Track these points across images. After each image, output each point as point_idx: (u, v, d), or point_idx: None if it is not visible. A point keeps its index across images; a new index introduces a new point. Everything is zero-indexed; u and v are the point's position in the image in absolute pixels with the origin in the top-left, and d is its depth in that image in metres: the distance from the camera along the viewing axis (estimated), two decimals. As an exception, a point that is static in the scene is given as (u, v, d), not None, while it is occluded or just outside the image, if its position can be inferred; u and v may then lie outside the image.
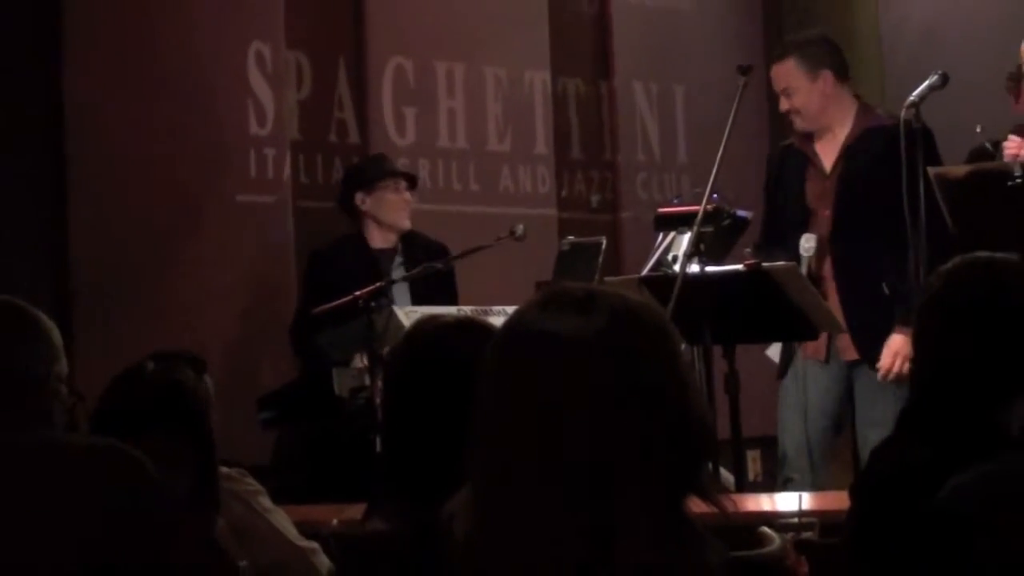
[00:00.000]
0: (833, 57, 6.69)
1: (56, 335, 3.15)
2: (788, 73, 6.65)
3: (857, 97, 6.72)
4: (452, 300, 7.08)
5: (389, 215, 7.25)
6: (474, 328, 3.16)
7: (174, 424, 3.83)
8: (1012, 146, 6.06)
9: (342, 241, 7.37)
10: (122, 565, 2.82)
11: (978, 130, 6.25)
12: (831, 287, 6.43)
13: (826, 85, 6.60)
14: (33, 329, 3.09)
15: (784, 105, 6.68)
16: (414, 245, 7.25)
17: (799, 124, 6.67)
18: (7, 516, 2.82)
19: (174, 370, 3.92)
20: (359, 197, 7.26)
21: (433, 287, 7.03)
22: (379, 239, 7.26)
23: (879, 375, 6.27)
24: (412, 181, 7.40)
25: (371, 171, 7.39)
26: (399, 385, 3.24)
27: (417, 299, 6.89)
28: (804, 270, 6.32)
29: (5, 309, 3.14)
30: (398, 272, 6.98)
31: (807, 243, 6.43)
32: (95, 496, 2.86)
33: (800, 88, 6.61)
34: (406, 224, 7.27)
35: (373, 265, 7.03)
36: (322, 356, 6.90)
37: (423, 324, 3.34)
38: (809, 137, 6.69)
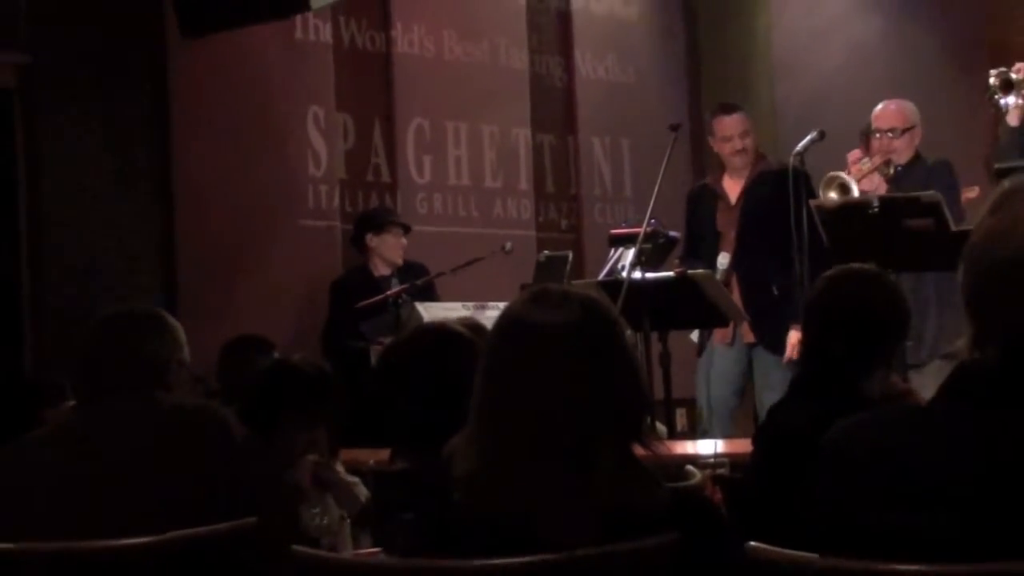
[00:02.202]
0: None
1: (181, 333, 3.13)
2: (747, 122, 6.65)
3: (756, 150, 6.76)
4: (435, 297, 7.09)
5: (388, 253, 7.26)
6: (448, 337, 3.14)
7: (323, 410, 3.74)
8: (855, 155, 6.17)
9: (352, 272, 7.37)
10: (213, 493, 2.81)
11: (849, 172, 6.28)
12: (736, 288, 6.43)
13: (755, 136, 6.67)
14: (162, 328, 3.10)
15: (739, 144, 6.59)
16: (403, 269, 7.24)
17: (742, 160, 6.60)
18: (126, 461, 2.81)
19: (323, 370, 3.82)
20: (368, 236, 7.28)
21: (422, 289, 7.04)
22: (380, 268, 7.26)
23: (784, 360, 6.24)
24: (407, 228, 7.39)
25: (379, 218, 7.42)
26: (397, 373, 3.22)
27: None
28: (719, 277, 6.32)
29: (145, 314, 3.17)
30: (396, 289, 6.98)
31: (722, 259, 6.45)
32: (188, 442, 2.86)
33: (751, 133, 6.63)
34: (399, 261, 7.27)
35: (376, 288, 7.01)
36: (353, 351, 6.87)
37: (412, 334, 3.31)
38: (719, 178, 6.69)
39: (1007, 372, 1.66)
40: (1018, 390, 1.66)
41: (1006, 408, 1.66)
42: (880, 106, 6.37)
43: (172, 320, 3.14)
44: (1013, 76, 5.81)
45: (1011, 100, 5.81)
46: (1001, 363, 1.66)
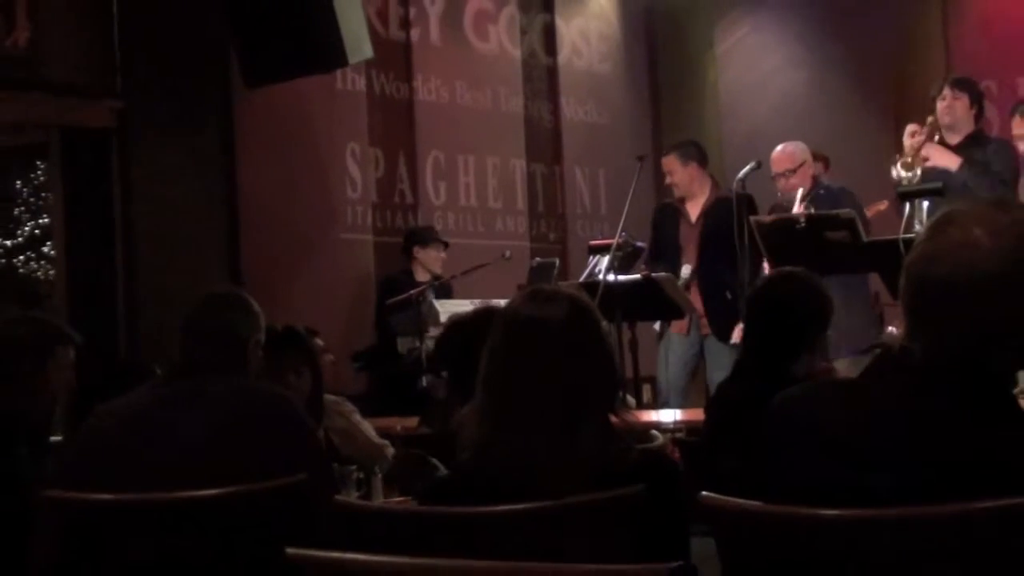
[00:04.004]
0: (698, 152, 6.69)
1: (261, 318, 3.00)
2: (670, 162, 6.65)
3: (712, 177, 6.72)
4: (450, 295, 7.07)
5: (430, 264, 7.22)
6: (482, 315, 3.16)
7: (296, 358, 3.73)
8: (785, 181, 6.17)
9: (399, 274, 7.31)
10: (282, 457, 2.73)
11: (779, 195, 6.30)
12: (695, 291, 6.42)
13: (692, 170, 6.61)
14: (246, 309, 2.97)
15: (667, 180, 6.67)
16: (437, 278, 7.21)
17: (676, 192, 6.66)
18: (207, 431, 2.70)
19: (292, 328, 3.85)
20: (416, 249, 7.25)
21: (442, 288, 7.03)
22: (420, 275, 7.21)
23: (730, 342, 6.23)
24: (446, 244, 7.36)
25: (426, 235, 7.38)
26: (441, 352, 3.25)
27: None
28: (682, 284, 6.31)
29: (233, 294, 3.05)
30: (430, 292, 6.94)
31: (685, 270, 6.45)
32: (264, 418, 2.77)
33: (676, 171, 6.61)
34: (438, 271, 7.21)
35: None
36: (392, 330, 6.88)
37: (452, 317, 3.34)
38: (682, 200, 6.68)
39: (927, 362, 1.72)
40: (934, 376, 1.71)
41: (923, 388, 1.71)
42: (775, 151, 6.29)
43: (256, 305, 3.03)
44: (905, 140, 5.80)
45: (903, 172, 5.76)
46: (924, 356, 1.72)
